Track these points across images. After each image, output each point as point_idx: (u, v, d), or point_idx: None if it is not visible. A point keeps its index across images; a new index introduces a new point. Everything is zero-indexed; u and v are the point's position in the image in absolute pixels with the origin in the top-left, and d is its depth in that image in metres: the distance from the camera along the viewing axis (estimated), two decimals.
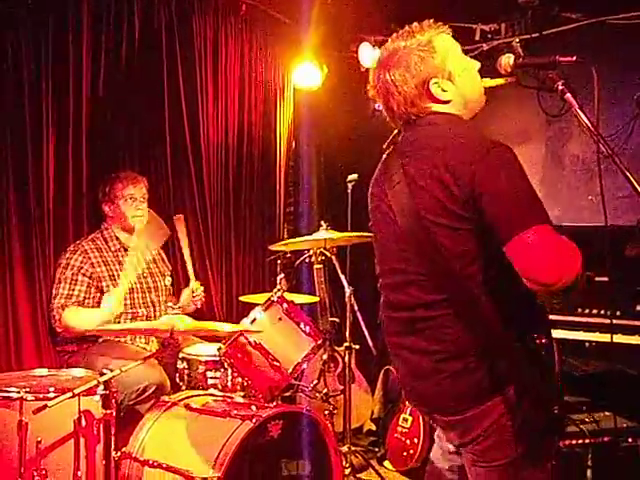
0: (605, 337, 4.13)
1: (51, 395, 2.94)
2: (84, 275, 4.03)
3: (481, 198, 2.08)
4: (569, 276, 2.03)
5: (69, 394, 2.81)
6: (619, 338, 3.99)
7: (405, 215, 2.24)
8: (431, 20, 2.37)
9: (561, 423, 2.29)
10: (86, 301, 4.01)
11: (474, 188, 2.09)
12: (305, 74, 5.83)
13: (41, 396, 2.94)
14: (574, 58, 2.28)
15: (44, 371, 3.45)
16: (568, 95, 2.26)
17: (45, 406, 2.74)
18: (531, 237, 2.02)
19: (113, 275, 4.12)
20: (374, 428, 5.36)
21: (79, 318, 3.91)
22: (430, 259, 2.19)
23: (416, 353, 2.28)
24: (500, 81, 2.41)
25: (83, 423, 2.99)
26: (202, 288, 4.43)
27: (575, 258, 2.06)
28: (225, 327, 3.54)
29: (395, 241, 2.31)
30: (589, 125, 2.23)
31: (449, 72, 2.30)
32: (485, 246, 2.14)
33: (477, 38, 5.22)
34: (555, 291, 2.05)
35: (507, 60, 2.38)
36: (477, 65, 2.39)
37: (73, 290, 3.99)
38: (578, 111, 2.24)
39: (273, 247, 4.65)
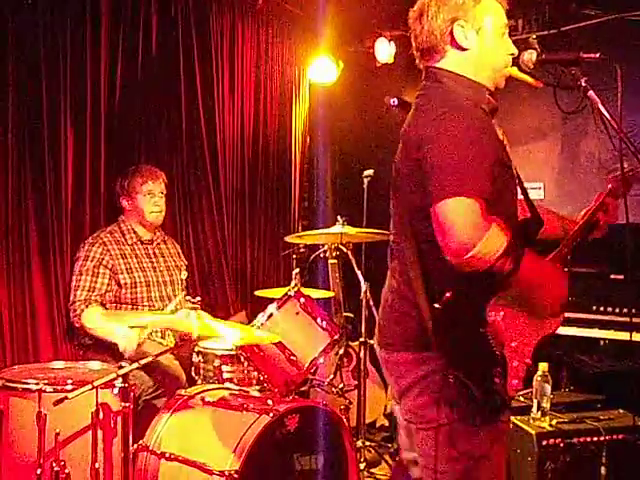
0: (620, 335, 4.12)
1: (69, 387, 2.96)
2: (105, 267, 4.04)
3: (424, 159, 2.17)
4: (475, 253, 2.07)
5: (89, 386, 2.81)
6: (635, 336, 3.98)
7: (394, 168, 2.41)
8: None
9: (500, 399, 2.25)
10: (107, 294, 4.02)
11: (422, 149, 2.18)
12: (321, 69, 5.83)
13: (59, 388, 2.96)
14: (597, 55, 2.28)
15: (61, 364, 3.47)
16: (591, 92, 2.25)
17: (65, 397, 2.74)
18: (443, 207, 2.10)
19: (130, 268, 4.13)
20: (387, 423, 5.36)
21: (98, 323, 3.86)
22: (400, 206, 2.37)
23: (387, 288, 2.46)
24: (527, 78, 2.41)
25: (101, 415, 3.00)
26: None
27: (491, 241, 2.09)
28: (240, 333, 3.50)
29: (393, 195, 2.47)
30: (612, 122, 2.22)
31: (480, 26, 2.32)
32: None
33: None
34: (465, 266, 2.10)
35: (529, 56, 2.38)
36: (513, 48, 2.40)
37: (95, 283, 3.99)
38: (601, 108, 2.24)
39: (288, 238, 4.66)
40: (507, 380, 2.25)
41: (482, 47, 2.33)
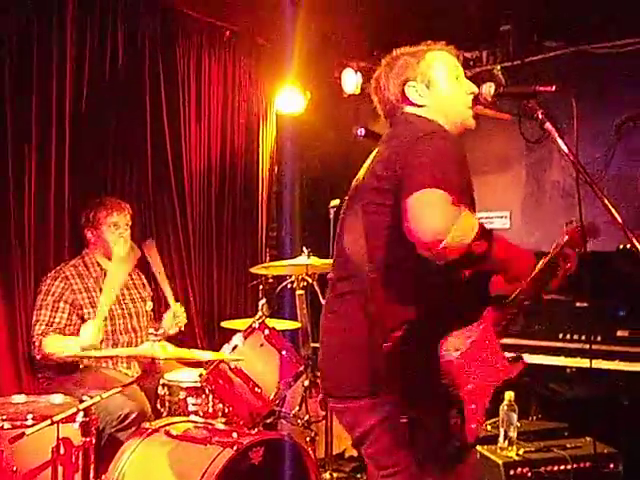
0: (586, 362, 4.13)
1: (29, 422, 2.91)
2: (65, 302, 3.99)
3: (402, 171, 2.18)
4: (450, 240, 2.04)
5: (48, 422, 2.77)
6: (600, 363, 4.00)
7: (349, 199, 2.42)
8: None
9: (459, 442, 2.20)
10: (67, 328, 3.97)
11: (401, 165, 2.19)
12: (288, 99, 5.86)
13: (19, 424, 2.92)
14: (553, 88, 2.31)
15: (22, 398, 3.41)
16: (548, 124, 2.28)
17: (23, 434, 2.70)
18: (415, 199, 2.09)
19: (94, 302, 4.07)
20: (356, 454, 5.32)
21: (58, 345, 3.85)
22: (353, 237, 2.33)
23: (327, 332, 2.40)
24: (495, 114, 2.46)
25: (62, 451, 2.95)
26: (183, 309, 4.40)
27: (463, 224, 2.08)
28: (205, 355, 3.52)
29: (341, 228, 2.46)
30: (568, 153, 2.25)
31: (429, 79, 2.43)
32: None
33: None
34: (442, 256, 2.08)
35: (488, 89, 2.42)
36: (469, 87, 2.46)
37: (54, 318, 3.95)
38: (558, 139, 2.27)
39: (254, 270, 4.65)
40: (465, 424, 2.18)
41: (437, 98, 2.43)
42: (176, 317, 4.32)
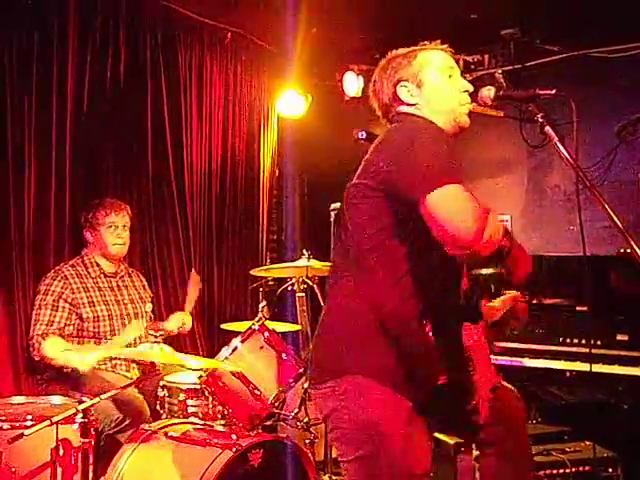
0: (586, 366, 4.13)
1: (28, 423, 2.90)
2: (65, 301, 4.00)
3: (397, 168, 2.19)
4: (487, 236, 2.09)
5: (47, 422, 2.76)
6: (599, 367, 4.00)
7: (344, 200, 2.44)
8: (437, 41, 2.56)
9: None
10: (66, 328, 3.97)
11: (393, 161, 2.21)
12: (289, 102, 5.87)
13: (18, 424, 2.91)
14: (553, 92, 2.32)
15: (22, 399, 3.41)
16: (548, 128, 2.28)
17: (22, 435, 2.70)
18: (434, 198, 2.09)
19: (92, 302, 4.09)
20: None
21: (57, 353, 3.79)
22: (344, 228, 2.39)
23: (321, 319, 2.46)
24: (488, 111, 2.46)
25: (61, 452, 2.95)
26: (190, 323, 4.44)
27: (493, 222, 2.15)
28: (203, 363, 3.51)
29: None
30: (568, 157, 2.25)
31: (420, 79, 2.45)
32: (393, 220, 2.24)
33: (460, 69, 5.32)
34: (476, 254, 2.13)
35: (487, 92, 2.43)
36: (464, 85, 2.47)
37: (54, 317, 3.95)
38: (557, 143, 2.27)
39: (254, 272, 4.65)
40: (480, 405, 2.31)
41: (428, 97, 2.44)
42: (183, 324, 4.37)
